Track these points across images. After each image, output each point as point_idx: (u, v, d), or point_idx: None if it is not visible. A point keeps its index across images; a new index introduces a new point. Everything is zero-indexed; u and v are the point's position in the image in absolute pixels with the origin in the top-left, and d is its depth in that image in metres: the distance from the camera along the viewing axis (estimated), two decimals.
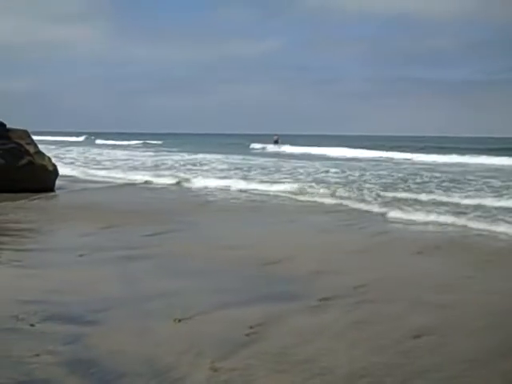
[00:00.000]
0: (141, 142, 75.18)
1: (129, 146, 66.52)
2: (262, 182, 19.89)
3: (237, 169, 26.43)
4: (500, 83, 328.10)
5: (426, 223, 11.57)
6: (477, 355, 4.81)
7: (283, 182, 19.54)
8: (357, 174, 24.03)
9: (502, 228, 10.66)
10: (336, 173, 24.54)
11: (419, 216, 12.08)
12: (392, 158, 41.98)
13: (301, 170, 25.86)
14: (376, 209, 13.50)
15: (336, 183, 19.56)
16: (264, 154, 48.12)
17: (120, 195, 17.06)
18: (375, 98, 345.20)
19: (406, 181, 20.88)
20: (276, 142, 60.06)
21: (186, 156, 37.95)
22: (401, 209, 13.13)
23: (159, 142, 75.38)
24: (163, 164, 30.19)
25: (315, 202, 15.20)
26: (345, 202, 14.80)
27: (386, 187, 18.26)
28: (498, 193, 16.54)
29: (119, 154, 41.80)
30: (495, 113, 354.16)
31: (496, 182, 20.03)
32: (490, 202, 14.18)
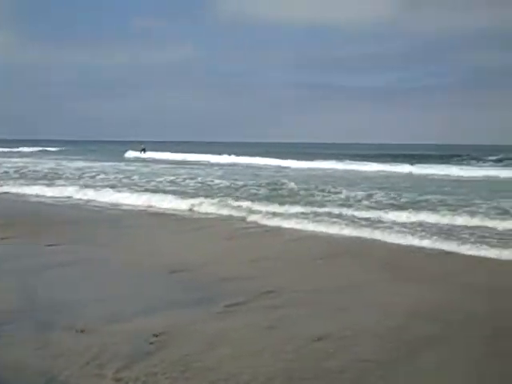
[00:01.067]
0: (39, 148, 72.62)
1: (18, 152, 63.60)
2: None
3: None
4: (413, 91, 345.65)
5: (322, 233, 11.87)
6: (378, 356, 5.01)
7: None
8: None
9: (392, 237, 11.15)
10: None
11: (311, 227, 12.34)
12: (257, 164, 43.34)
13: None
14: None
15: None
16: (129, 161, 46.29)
17: None
18: (293, 104, 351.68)
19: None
20: (143, 151, 60.22)
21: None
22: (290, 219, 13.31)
23: (56, 149, 73.28)
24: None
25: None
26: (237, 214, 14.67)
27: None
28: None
29: None
30: (404, 119, 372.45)
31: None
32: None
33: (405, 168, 36.24)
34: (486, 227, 12.00)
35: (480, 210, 14.47)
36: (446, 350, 5.19)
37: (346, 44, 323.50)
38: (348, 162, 44.32)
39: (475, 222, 12.63)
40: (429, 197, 17.72)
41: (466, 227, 12.06)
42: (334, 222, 12.69)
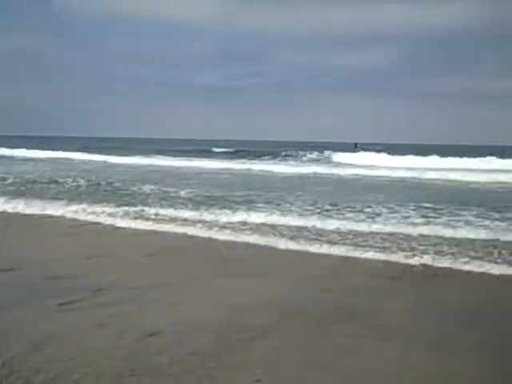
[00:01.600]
0: None
1: None
2: None
3: None
4: (241, 89, 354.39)
5: (155, 231, 11.91)
6: (209, 348, 5.15)
7: None
8: None
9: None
10: None
11: (146, 225, 12.38)
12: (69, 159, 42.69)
13: None
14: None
15: None
16: None
17: None
18: (117, 99, 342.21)
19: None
20: None
21: None
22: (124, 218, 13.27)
23: None
24: None
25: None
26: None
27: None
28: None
29: None
30: (233, 116, 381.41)
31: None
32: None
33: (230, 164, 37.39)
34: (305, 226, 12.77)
35: (293, 208, 15.46)
36: (278, 339, 5.48)
37: (178, 41, 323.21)
38: (172, 158, 44.80)
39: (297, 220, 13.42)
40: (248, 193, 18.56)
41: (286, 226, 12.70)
42: (166, 221, 12.81)
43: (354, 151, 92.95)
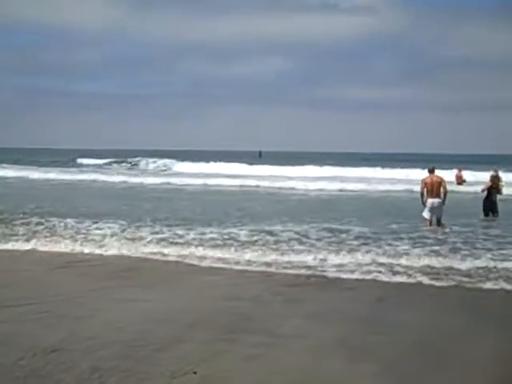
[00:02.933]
0: None
1: None
2: None
3: None
4: (136, 97, 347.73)
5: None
6: (110, 364, 5.09)
7: None
8: None
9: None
10: None
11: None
12: None
13: None
14: None
15: None
16: None
17: None
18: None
19: None
20: None
21: None
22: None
23: None
24: None
25: None
26: None
27: None
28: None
29: None
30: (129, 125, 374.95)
31: None
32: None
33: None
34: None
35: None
36: (181, 351, 5.51)
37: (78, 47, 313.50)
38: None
39: None
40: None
41: None
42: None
43: (259, 159, 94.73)
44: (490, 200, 17.53)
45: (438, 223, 14.91)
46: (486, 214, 17.28)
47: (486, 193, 17.78)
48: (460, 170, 32.71)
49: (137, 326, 6.23)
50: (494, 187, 17.71)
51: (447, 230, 14.38)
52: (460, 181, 31.13)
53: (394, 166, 45.91)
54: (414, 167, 39.56)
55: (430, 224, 14.88)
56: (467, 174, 33.37)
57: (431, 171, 15.24)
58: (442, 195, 14.82)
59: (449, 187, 15.82)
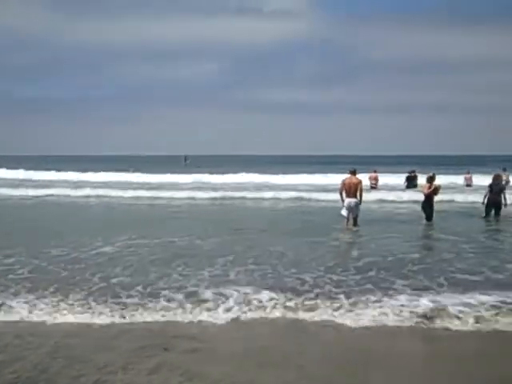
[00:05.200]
0: None
1: None
2: None
3: None
4: (68, 101, 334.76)
5: None
6: None
7: None
8: None
9: None
10: None
11: None
12: None
13: None
14: None
15: None
16: None
17: None
18: None
19: None
20: None
21: None
22: None
23: None
24: None
25: None
26: None
27: None
28: None
29: None
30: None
31: None
32: None
33: None
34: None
35: None
36: None
37: None
38: None
39: None
40: None
41: None
42: None
43: (185, 164, 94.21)
44: (429, 203, 16.89)
45: (355, 222, 15.80)
46: (428, 219, 16.73)
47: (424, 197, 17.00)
48: (375, 172, 33.95)
49: None
50: (432, 190, 16.90)
51: (358, 229, 15.62)
52: (375, 182, 32.45)
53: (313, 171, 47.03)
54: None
55: (347, 222, 15.81)
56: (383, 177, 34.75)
57: (352, 173, 15.92)
58: (358, 196, 15.63)
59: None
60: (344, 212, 15.84)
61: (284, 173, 45.02)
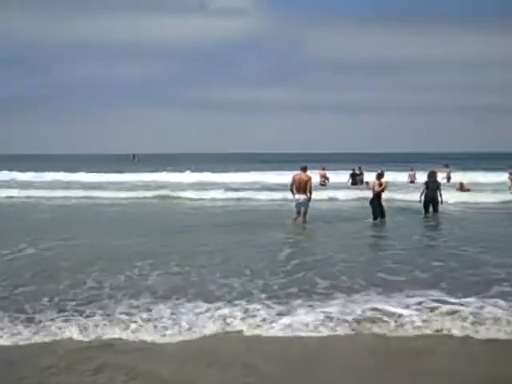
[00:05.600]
0: None
1: None
2: None
3: None
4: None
5: None
6: None
7: None
8: None
9: None
10: None
11: None
12: None
13: None
14: None
15: None
16: None
17: None
18: None
19: None
20: None
21: None
22: None
23: None
24: None
25: None
26: None
27: None
28: None
29: None
30: None
31: None
32: None
33: None
34: None
35: None
36: None
37: None
38: None
39: None
40: None
41: None
42: None
43: (133, 162, 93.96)
44: (378, 201, 16.69)
45: (304, 218, 15.88)
46: (376, 218, 16.54)
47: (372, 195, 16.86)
48: (323, 169, 34.21)
49: None
50: (380, 187, 16.72)
51: (307, 225, 15.65)
52: (324, 180, 32.71)
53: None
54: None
55: (296, 218, 15.92)
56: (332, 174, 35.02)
57: (303, 169, 16.06)
58: (308, 193, 15.70)
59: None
60: (294, 207, 16.02)
61: (237, 170, 44.87)
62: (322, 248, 12.37)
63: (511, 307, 7.41)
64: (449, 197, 20.21)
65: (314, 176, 24.17)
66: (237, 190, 28.20)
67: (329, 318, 7.07)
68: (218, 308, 7.59)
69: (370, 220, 16.40)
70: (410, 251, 11.93)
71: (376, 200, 16.59)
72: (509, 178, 26.98)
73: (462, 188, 26.91)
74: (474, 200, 22.15)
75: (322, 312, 7.28)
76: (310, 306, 7.62)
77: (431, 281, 9.08)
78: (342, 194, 24.80)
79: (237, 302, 7.89)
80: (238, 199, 24.50)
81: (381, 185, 16.68)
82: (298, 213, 15.89)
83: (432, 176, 18.29)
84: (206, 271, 9.95)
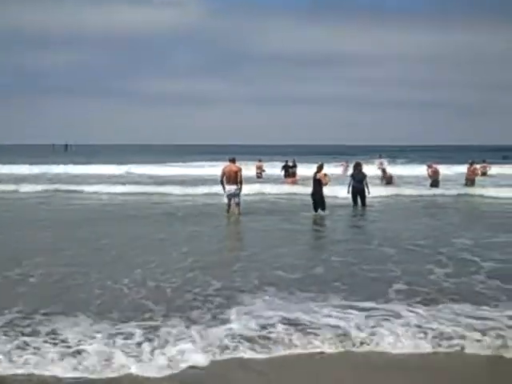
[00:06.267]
0: None
1: None
2: None
3: None
4: None
5: None
6: None
7: None
8: None
9: None
10: None
11: None
12: None
13: None
14: None
15: None
16: None
17: None
18: None
19: None
20: None
21: None
22: None
23: None
24: None
25: None
26: None
27: None
28: None
29: None
30: None
31: None
32: None
33: None
34: None
35: None
36: None
37: None
38: None
39: None
40: None
41: None
42: None
43: (66, 151, 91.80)
44: (318, 193, 16.22)
45: (238, 209, 16.11)
46: (317, 210, 16.15)
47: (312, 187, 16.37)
48: (260, 161, 34.29)
49: None
50: (320, 179, 16.22)
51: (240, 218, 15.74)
52: (260, 172, 32.68)
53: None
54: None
55: (229, 209, 16.16)
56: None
57: (232, 161, 16.27)
58: (238, 183, 15.91)
59: None
60: (225, 199, 16.25)
61: (160, 163, 44.09)
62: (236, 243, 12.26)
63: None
64: (383, 190, 20.27)
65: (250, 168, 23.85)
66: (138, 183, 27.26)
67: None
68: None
69: (309, 213, 16.08)
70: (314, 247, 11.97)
71: (318, 192, 16.13)
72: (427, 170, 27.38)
73: (387, 180, 26.99)
74: (402, 192, 22.15)
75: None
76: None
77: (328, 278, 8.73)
78: (276, 187, 24.34)
79: None
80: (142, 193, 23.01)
81: (325, 176, 16.33)
82: (229, 205, 16.09)
83: (357, 168, 18.21)
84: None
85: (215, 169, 27.90)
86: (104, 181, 28.32)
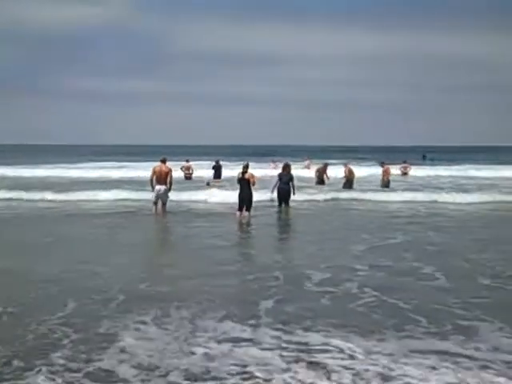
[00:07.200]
0: None
1: None
2: None
3: None
4: None
5: None
6: None
7: None
8: None
9: None
10: None
11: None
12: None
13: None
14: None
15: None
16: None
17: None
18: None
19: None
20: None
21: None
22: None
23: None
24: None
25: None
26: None
27: None
28: None
29: None
30: None
31: None
32: None
33: None
34: None
35: None
36: None
37: None
38: None
39: None
40: None
41: None
42: None
43: None
44: (247, 194, 15.84)
45: (164, 208, 16.61)
46: (243, 209, 15.83)
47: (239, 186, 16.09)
48: (187, 161, 33.87)
49: None
50: (249, 179, 15.89)
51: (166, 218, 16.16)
52: (189, 172, 31.92)
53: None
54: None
55: (156, 207, 16.59)
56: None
57: (162, 161, 16.79)
58: (167, 184, 16.48)
59: None
60: (153, 198, 16.59)
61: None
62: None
63: None
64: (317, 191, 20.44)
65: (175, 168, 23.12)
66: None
67: None
68: None
69: (236, 213, 15.78)
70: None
71: (247, 193, 15.72)
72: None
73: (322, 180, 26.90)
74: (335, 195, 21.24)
75: None
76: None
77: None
78: (206, 188, 23.68)
79: None
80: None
81: (253, 176, 16.02)
82: (156, 203, 16.50)
83: (285, 169, 18.25)
84: None
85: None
86: None
